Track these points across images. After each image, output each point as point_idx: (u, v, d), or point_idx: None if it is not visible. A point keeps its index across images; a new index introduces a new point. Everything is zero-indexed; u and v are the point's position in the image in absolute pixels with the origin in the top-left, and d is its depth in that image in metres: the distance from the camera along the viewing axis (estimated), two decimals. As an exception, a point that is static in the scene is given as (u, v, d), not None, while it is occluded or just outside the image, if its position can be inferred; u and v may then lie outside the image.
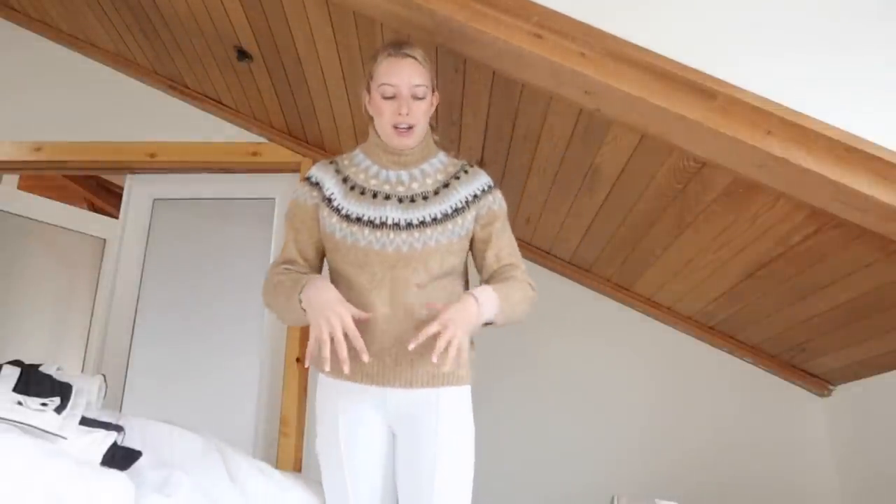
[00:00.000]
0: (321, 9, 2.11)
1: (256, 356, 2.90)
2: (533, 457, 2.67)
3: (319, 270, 1.71)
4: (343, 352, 1.40)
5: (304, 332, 2.82)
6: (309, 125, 2.83)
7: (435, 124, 1.76)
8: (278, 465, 2.61)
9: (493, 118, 2.17)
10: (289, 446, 2.68)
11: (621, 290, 2.79)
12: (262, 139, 3.03)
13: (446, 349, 1.39)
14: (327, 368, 1.43)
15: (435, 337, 1.41)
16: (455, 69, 2.03)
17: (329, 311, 1.42)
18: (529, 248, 2.84)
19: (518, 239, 2.79)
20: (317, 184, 1.66)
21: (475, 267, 1.71)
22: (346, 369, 1.42)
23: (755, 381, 2.68)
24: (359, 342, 1.43)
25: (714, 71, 1.57)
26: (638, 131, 1.85)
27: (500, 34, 1.68)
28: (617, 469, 2.62)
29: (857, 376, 2.44)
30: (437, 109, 1.74)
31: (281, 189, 3.05)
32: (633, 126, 1.82)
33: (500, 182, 2.45)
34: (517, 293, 1.59)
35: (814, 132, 1.51)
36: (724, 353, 2.72)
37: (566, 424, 2.70)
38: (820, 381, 2.61)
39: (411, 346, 1.41)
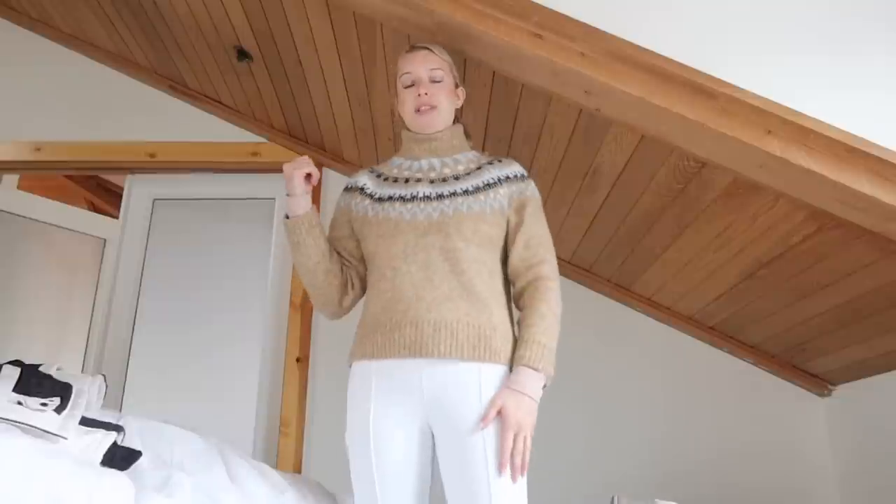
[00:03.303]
0: (321, 9, 2.11)
1: (257, 356, 2.90)
2: (532, 456, 2.66)
3: (347, 266, 1.71)
4: (307, 164, 1.62)
5: (305, 332, 2.82)
6: (309, 125, 2.83)
7: (467, 129, 1.75)
8: (278, 465, 2.61)
9: (493, 118, 2.17)
10: (289, 446, 2.68)
11: (621, 290, 2.78)
12: (262, 139, 3.03)
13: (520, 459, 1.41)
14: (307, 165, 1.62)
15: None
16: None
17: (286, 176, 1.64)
18: (529, 248, 2.84)
19: (518, 239, 2.82)
20: (349, 187, 1.73)
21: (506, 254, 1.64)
22: (316, 178, 1.64)
23: (755, 381, 2.68)
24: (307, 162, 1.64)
25: (714, 71, 1.57)
26: (638, 131, 1.85)
27: (500, 34, 1.68)
28: (617, 469, 2.62)
29: (857, 376, 2.44)
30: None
31: (281, 189, 3.01)
32: (633, 126, 1.82)
33: (500, 182, 2.46)
34: (553, 330, 1.55)
35: (814, 132, 1.51)
36: (724, 353, 2.72)
37: (565, 424, 2.69)
38: (820, 381, 2.61)
39: (503, 473, 1.40)
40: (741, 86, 1.55)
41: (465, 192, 1.58)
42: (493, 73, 1.94)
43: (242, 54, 2.57)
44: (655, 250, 2.39)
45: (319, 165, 2.98)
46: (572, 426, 2.69)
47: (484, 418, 1.41)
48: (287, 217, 1.63)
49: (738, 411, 2.66)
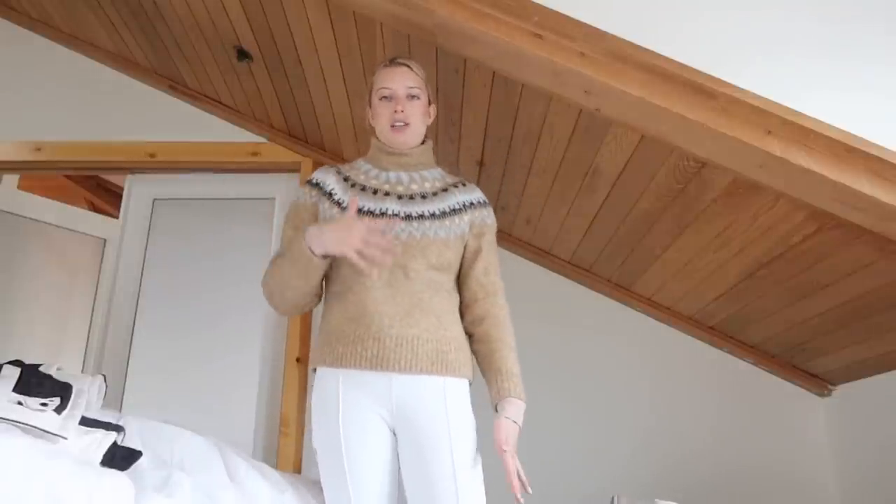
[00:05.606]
0: (321, 9, 2.11)
1: (257, 356, 2.90)
2: (533, 457, 2.66)
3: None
4: (383, 242, 1.46)
5: (305, 332, 2.82)
6: (309, 125, 2.83)
7: (435, 143, 1.78)
8: (278, 465, 2.61)
9: (493, 118, 2.18)
10: (289, 446, 2.68)
11: (621, 290, 2.78)
12: (262, 139, 3.03)
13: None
14: (388, 261, 1.48)
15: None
16: (455, 69, 2.03)
17: (343, 230, 1.48)
18: (529, 248, 2.84)
19: (518, 239, 2.83)
20: (317, 184, 1.74)
21: (461, 274, 1.72)
22: (389, 260, 1.48)
23: (755, 381, 2.68)
24: (381, 232, 1.48)
25: (714, 71, 1.57)
26: (638, 131, 1.85)
27: (500, 34, 1.68)
28: (617, 469, 2.62)
29: (857, 376, 2.44)
30: (437, 115, 1.76)
31: (281, 189, 3.05)
32: (633, 126, 1.82)
33: (500, 182, 2.47)
34: (515, 357, 1.63)
35: (814, 132, 1.51)
36: (725, 353, 2.72)
37: (566, 424, 2.70)
38: (820, 381, 2.61)
39: (521, 499, 1.46)
40: (741, 86, 1.55)
41: (433, 215, 1.65)
42: (493, 73, 1.94)
43: (242, 54, 2.57)
44: (655, 250, 2.39)
45: (319, 165, 2.99)
46: (572, 426, 2.69)
47: (505, 446, 1.49)
48: (313, 252, 1.54)
49: (739, 411, 2.66)
